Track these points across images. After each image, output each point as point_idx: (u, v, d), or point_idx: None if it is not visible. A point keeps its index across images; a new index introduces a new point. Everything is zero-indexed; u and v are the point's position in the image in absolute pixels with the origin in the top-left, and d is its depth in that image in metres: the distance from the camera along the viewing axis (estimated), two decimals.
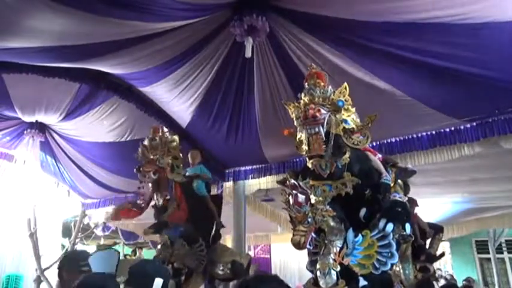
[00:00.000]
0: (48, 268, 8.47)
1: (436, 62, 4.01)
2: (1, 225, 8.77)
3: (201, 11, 3.89)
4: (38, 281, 8.21)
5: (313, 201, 2.70)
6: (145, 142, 4.21)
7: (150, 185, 4.23)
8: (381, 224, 2.68)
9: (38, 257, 8.25)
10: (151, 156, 4.09)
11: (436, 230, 4.55)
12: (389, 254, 2.65)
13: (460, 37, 3.71)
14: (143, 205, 4.31)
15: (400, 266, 3.73)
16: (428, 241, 4.50)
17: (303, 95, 2.95)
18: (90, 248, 12.75)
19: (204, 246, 4.23)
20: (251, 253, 12.58)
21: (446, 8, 3.43)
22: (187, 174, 4.63)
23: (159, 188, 4.17)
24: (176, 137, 4.40)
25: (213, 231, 4.50)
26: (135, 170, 4.10)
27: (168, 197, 4.18)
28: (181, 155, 4.39)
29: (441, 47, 3.87)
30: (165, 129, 4.40)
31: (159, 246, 4.27)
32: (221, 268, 4.36)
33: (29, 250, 8.53)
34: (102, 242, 12.20)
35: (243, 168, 6.76)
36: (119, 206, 4.51)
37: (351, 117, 2.89)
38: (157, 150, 4.15)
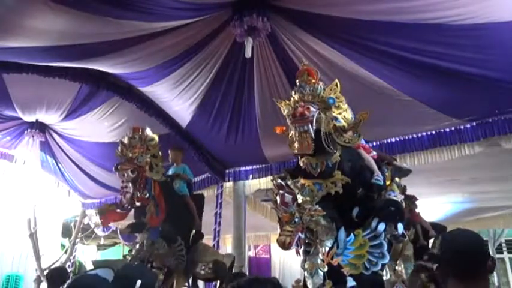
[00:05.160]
0: (48, 268, 8.46)
1: (436, 62, 4.01)
2: (1, 225, 8.77)
3: (201, 10, 3.89)
4: (38, 281, 8.18)
5: (300, 201, 2.63)
6: (125, 140, 4.13)
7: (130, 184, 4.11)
8: (373, 223, 2.64)
9: (38, 257, 8.24)
10: (130, 155, 4.01)
11: (439, 230, 4.54)
12: (380, 255, 2.59)
13: (461, 37, 3.71)
14: (127, 206, 4.18)
15: (403, 266, 3.73)
16: (431, 241, 4.49)
17: (293, 92, 2.88)
18: (90, 248, 12.74)
19: (184, 245, 4.16)
20: (251, 253, 12.57)
21: (447, 9, 3.43)
22: (169, 173, 4.56)
23: (138, 186, 4.07)
24: (155, 136, 4.31)
25: (193, 231, 4.42)
26: (113, 168, 4.01)
27: (147, 196, 4.09)
28: (160, 153, 4.30)
29: (442, 47, 3.86)
30: (147, 129, 4.27)
31: (137, 246, 4.19)
32: (202, 268, 4.27)
33: (29, 250, 8.53)
34: (102, 242, 12.16)
35: (243, 168, 6.75)
36: (102, 209, 4.31)
37: (342, 115, 2.80)
38: (136, 148, 4.07)
